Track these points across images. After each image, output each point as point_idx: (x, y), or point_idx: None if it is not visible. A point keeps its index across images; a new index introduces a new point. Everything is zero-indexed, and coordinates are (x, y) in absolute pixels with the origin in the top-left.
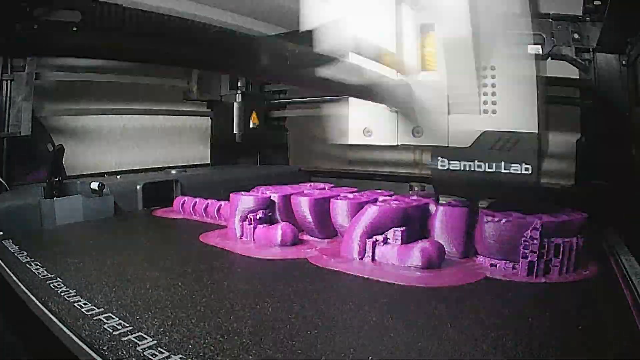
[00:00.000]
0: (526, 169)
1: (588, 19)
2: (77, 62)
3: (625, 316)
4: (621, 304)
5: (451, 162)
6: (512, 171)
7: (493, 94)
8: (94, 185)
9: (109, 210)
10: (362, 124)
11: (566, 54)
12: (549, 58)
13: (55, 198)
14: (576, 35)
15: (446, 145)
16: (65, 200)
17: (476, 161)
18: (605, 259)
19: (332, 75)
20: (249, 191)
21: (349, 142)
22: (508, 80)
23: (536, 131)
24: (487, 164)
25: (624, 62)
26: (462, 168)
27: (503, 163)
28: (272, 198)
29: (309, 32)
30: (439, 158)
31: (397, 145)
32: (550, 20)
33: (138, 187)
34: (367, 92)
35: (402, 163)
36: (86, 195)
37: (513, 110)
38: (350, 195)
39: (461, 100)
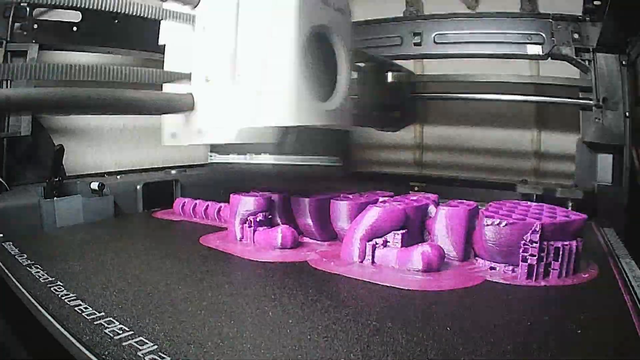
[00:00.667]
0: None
1: (588, 19)
2: (77, 61)
3: (624, 320)
4: (621, 307)
5: (220, 155)
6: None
7: (245, 96)
8: (94, 185)
9: (109, 210)
10: (170, 129)
11: (566, 54)
12: (549, 58)
13: (55, 198)
14: (576, 35)
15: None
16: (65, 200)
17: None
18: (605, 262)
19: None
20: (249, 192)
21: (163, 144)
22: (252, 84)
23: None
24: (243, 156)
25: (624, 62)
26: (229, 161)
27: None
28: (272, 198)
29: None
30: (211, 153)
31: (188, 145)
32: (550, 20)
33: (138, 187)
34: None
35: (402, 163)
36: (86, 195)
37: (262, 108)
38: (350, 196)
39: (226, 102)
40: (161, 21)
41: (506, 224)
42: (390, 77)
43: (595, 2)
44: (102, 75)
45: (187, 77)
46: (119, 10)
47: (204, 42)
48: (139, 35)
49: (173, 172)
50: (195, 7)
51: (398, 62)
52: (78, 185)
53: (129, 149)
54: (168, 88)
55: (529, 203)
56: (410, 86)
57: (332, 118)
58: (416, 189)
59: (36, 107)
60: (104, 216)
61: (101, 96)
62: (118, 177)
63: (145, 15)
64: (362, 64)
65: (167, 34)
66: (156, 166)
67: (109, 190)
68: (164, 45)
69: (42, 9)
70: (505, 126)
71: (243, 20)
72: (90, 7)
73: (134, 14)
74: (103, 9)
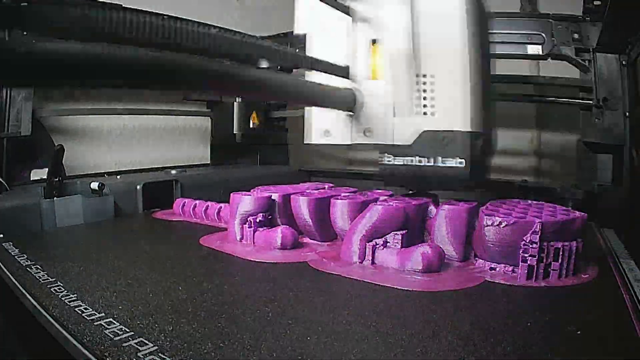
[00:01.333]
0: (460, 163)
1: (588, 19)
2: None
3: (624, 321)
4: (620, 308)
5: (396, 157)
6: (447, 164)
7: (432, 98)
8: (94, 185)
9: (109, 210)
10: (322, 126)
11: (566, 54)
12: (549, 58)
13: (55, 198)
14: (576, 35)
15: (392, 143)
16: (65, 200)
17: (417, 157)
18: (605, 262)
19: (291, 86)
20: (249, 191)
21: (310, 142)
22: (443, 86)
23: (470, 130)
24: (426, 159)
25: (624, 62)
26: (405, 163)
27: (440, 158)
28: (272, 198)
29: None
30: (385, 154)
31: (351, 144)
32: (550, 20)
33: (138, 187)
34: (320, 100)
35: None
36: (86, 195)
37: (448, 111)
38: (350, 196)
39: (403, 104)
40: (297, 6)
41: (506, 225)
42: None
43: (595, 2)
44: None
45: (346, 70)
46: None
47: (368, 35)
48: None
49: (173, 172)
50: None
51: None
52: (78, 185)
53: (129, 149)
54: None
55: (529, 202)
56: None
57: (489, 125)
58: None
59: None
60: (104, 216)
61: (266, 80)
62: (118, 177)
63: None
64: None
65: (309, 21)
66: (156, 166)
67: (109, 190)
68: (304, 34)
69: None
70: (505, 126)
71: (423, 19)
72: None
73: None
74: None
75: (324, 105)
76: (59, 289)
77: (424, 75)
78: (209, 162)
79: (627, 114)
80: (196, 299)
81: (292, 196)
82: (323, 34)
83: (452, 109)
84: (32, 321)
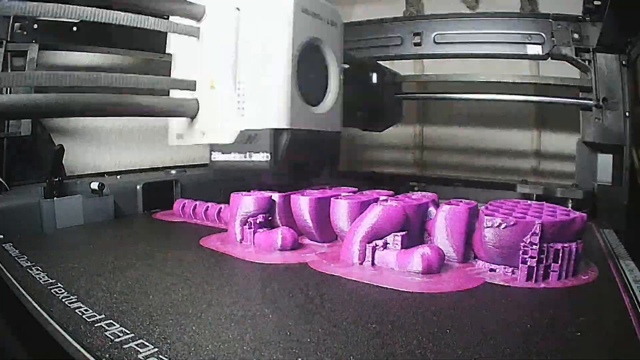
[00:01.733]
0: (265, 157)
1: (588, 19)
2: (77, 61)
3: (623, 323)
4: (620, 310)
5: (222, 154)
6: (255, 159)
7: (244, 101)
8: (94, 185)
9: (109, 210)
10: (176, 131)
11: (566, 54)
12: (549, 58)
13: (55, 198)
14: (576, 35)
15: (219, 142)
16: (65, 200)
17: (236, 153)
18: (605, 263)
19: (147, 104)
20: (249, 191)
21: (169, 144)
22: (253, 90)
23: (273, 127)
24: (242, 155)
25: (624, 62)
26: (229, 159)
27: (251, 153)
28: (272, 198)
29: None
30: (213, 151)
31: (192, 145)
32: (550, 20)
33: (138, 187)
34: (169, 111)
35: (402, 163)
36: (86, 195)
37: (257, 112)
38: (351, 195)
39: (227, 108)
40: (168, 33)
41: (506, 226)
42: (374, 78)
43: (595, 2)
44: (114, 82)
45: (193, 84)
46: (127, 24)
47: (208, 52)
48: (139, 35)
49: (173, 172)
50: (199, 20)
51: (397, 62)
52: (78, 185)
53: (129, 149)
54: (175, 94)
55: (528, 202)
56: (395, 87)
57: (322, 122)
58: (416, 188)
59: (45, 113)
60: (104, 216)
61: (113, 101)
62: (118, 177)
63: (155, 28)
64: (346, 65)
65: (175, 44)
66: (156, 166)
67: (109, 190)
68: (172, 54)
69: None
70: (505, 126)
71: (243, 33)
72: (98, 20)
73: (145, 27)
74: (114, 22)
75: (175, 115)
76: (60, 290)
77: (240, 82)
78: (208, 162)
79: (627, 114)
80: (196, 301)
81: (292, 196)
82: (183, 53)
83: (259, 108)
84: (32, 323)
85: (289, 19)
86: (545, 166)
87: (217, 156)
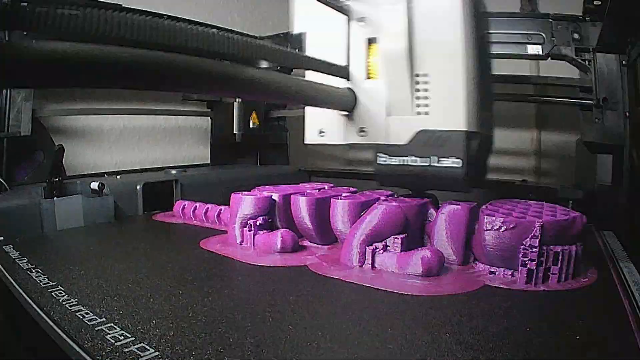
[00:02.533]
0: (456, 163)
1: (588, 19)
2: None
3: (622, 326)
4: (619, 313)
5: (391, 157)
6: (443, 165)
7: (426, 97)
8: (94, 185)
9: (109, 210)
10: (317, 126)
11: (566, 54)
12: (549, 58)
13: (55, 198)
14: (576, 35)
15: (387, 143)
16: (65, 200)
17: (412, 156)
18: (605, 266)
19: (291, 86)
20: (249, 191)
21: (306, 142)
22: (439, 85)
23: (465, 129)
24: (421, 159)
25: (624, 62)
26: (400, 163)
27: (436, 157)
28: (273, 197)
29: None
30: (380, 154)
31: (345, 144)
32: (550, 20)
33: (138, 187)
34: (316, 100)
35: None
36: (86, 196)
37: (444, 111)
38: (351, 196)
39: (398, 103)
40: (294, 5)
41: (505, 229)
42: None
43: (595, 2)
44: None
45: (346, 71)
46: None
47: (364, 34)
48: None
49: (173, 172)
50: None
51: None
52: (78, 185)
53: (129, 149)
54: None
55: (528, 202)
56: None
57: (488, 126)
58: None
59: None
60: (104, 216)
61: (266, 79)
62: (118, 177)
63: None
64: None
65: (307, 20)
66: (156, 166)
67: (109, 190)
68: (301, 33)
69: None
70: (505, 126)
71: (419, 22)
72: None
73: None
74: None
75: (324, 106)
76: (60, 293)
77: (420, 75)
78: (208, 162)
79: (627, 114)
80: (197, 304)
81: (292, 197)
82: (320, 34)
83: (448, 108)
84: (33, 326)
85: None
86: (545, 166)
87: (386, 159)
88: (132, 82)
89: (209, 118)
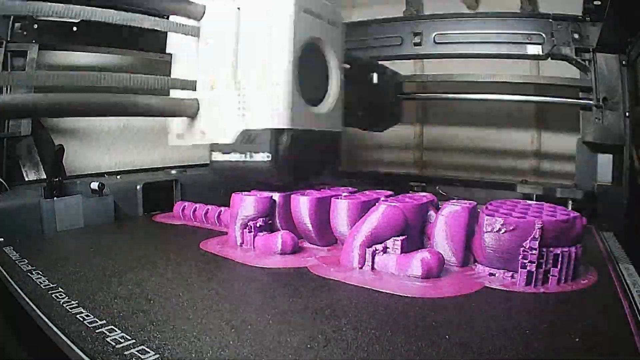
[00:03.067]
0: (267, 157)
1: (588, 19)
2: (77, 61)
3: (622, 329)
4: (619, 315)
5: (223, 154)
6: (256, 159)
7: (245, 102)
8: (94, 185)
9: (109, 209)
10: (176, 131)
11: (566, 54)
12: (549, 58)
13: (55, 198)
14: (576, 35)
15: (219, 142)
16: (65, 200)
17: (237, 153)
18: (604, 267)
19: (143, 104)
20: (249, 191)
21: (169, 144)
22: (253, 90)
23: (273, 127)
24: (243, 155)
25: (624, 62)
26: (229, 159)
27: (252, 153)
28: (273, 198)
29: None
30: (213, 151)
31: (192, 144)
32: (550, 20)
33: (138, 186)
34: (165, 111)
35: (402, 163)
36: (86, 196)
37: (258, 112)
38: (351, 196)
39: (227, 108)
40: (168, 32)
41: (505, 231)
42: (375, 78)
43: (595, 2)
44: (114, 82)
45: (193, 84)
46: (127, 23)
47: (208, 52)
48: (138, 35)
49: (173, 172)
50: (199, 20)
51: (398, 62)
52: (78, 185)
53: (129, 149)
54: (176, 94)
55: (528, 202)
56: (395, 87)
57: (322, 121)
58: (415, 189)
59: (44, 112)
60: (104, 216)
61: (113, 101)
62: (118, 177)
63: (154, 28)
64: (347, 65)
65: (174, 43)
66: (156, 166)
67: (109, 190)
68: (172, 53)
69: None
70: (505, 126)
71: (243, 33)
72: (98, 19)
73: (144, 26)
74: (114, 22)
75: (174, 115)
76: (60, 294)
77: (239, 82)
78: (209, 162)
79: (627, 114)
80: (197, 306)
81: (292, 197)
82: (183, 53)
83: (261, 109)
84: (33, 328)
85: (290, 18)
86: (545, 166)
87: (218, 156)
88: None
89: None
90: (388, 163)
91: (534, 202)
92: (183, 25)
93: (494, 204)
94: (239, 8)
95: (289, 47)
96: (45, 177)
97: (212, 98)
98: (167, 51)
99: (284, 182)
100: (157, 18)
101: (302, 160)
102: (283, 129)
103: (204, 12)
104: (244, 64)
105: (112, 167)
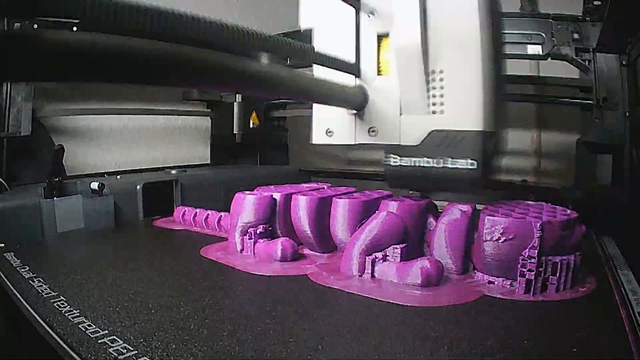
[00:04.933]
0: (471, 164)
1: (588, 19)
2: None
3: (620, 337)
4: (616, 323)
5: (402, 158)
6: (457, 166)
7: (441, 95)
8: (94, 185)
9: (110, 209)
10: (325, 125)
11: (566, 54)
12: (549, 58)
13: (55, 198)
14: (576, 35)
15: (398, 143)
16: (65, 200)
17: (425, 157)
18: (603, 273)
19: (296, 82)
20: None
21: (313, 142)
22: (454, 83)
23: (481, 129)
24: (434, 160)
25: (624, 62)
26: (412, 164)
27: (449, 159)
28: (273, 199)
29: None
30: (391, 155)
31: (355, 144)
32: (550, 20)
33: (138, 186)
34: (324, 97)
35: None
36: (86, 196)
37: (459, 110)
38: (352, 195)
39: (411, 102)
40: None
41: (505, 240)
42: None
43: (595, 2)
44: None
45: (356, 68)
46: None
47: (374, 29)
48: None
49: (173, 172)
50: None
51: None
52: (78, 185)
53: (129, 149)
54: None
55: (528, 202)
56: None
57: (500, 124)
58: None
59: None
60: (104, 216)
61: (273, 74)
62: (118, 177)
63: None
64: None
65: (315, 15)
66: (156, 166)
67: (109, 190)
68: (310, 29)
69: None
70: (505, 126)
71: (435, 16)
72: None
73: None
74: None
75: (332, 103)
76: (62, 304)
77: (434, 72)
78: (209, 162)
79: (627, 114)
80: (198, 315)
81: (292, 202)
82: (328, 29)
83: (464, 107)
84: (36, 337)
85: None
86: (545, 166)
87: (397, 160)
88: (149, 78)
89: (209, 118)
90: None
91: (534, 202)
92: None
93: (493, 205)
94: None
95: (489, 43)
96: (45, 177)
97: (386, 88)
98: (302, 25)
99: (483, 189)
100: None
101: (492, 166)
102: (487, 132)
103: None
104: (440, 51)
105: (112, 167)
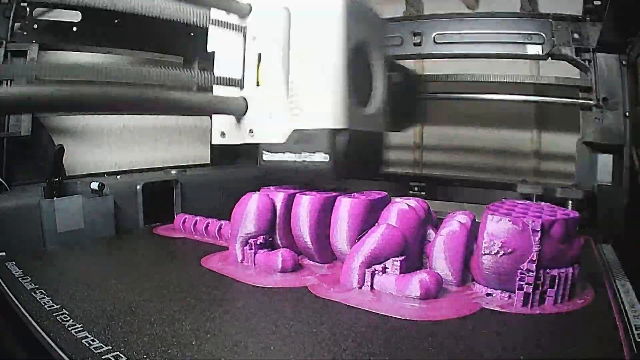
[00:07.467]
0: (324, 157)
1: (588, 19)
2: (77, 61)
3: (615, 351)
4: (613, 337)
5: (273, 154)
6: (314, 159)
7: (298, 101)
8: (94, 185)
9: (110, 209)
10: (219, 129)
11: (566, 54)
12: (549, 58)
13: (55, 198)
14: (576, 35)
15: (269, 142)
16: (65, 200)
17: (289, 153)
18: (601, 284)
19: (186, 101)
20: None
21: (212, 143)
22: (309, 90)
23: (332, 127)
24: (296, 155)
25: (624, 62)
26: (280, 159)
27: (308, 154)
28: (274, 206)
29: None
30: (264, 151)
31: (240, 144)
32: (550, 20)
33: (138, 186)
34: (212, 110)
35: (402, 163)
36: (86, 195)
37: (312, 112)
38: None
39: (277, 107)
40: (209, 30)
41: (503, 254)
42: (394, 77)
43: (595, 2)
44: (148, 78)
45: (240, 82)
46: (161, 16)
47: (255, 50)
48: (139, 35)
49: (173, 172)
50: (244, 17)
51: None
52: (78, 185)
53: (129, 149)
54: (219, 91)
55: (528, 202)
56: (414, 86)
57: (370, 122)
58: (416, 188)
59: (59, 106)
60: (105, 215)
61: (151, 97)
62: (118, 177)
63: (195, 23)
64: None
65: (216, 41)
66: (156, 166)
67: (109, 190)
68: (213, 52)
69: (42, 9)
70: (505, 126)
71: (294, 33)
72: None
73: (183, 20)
74: (145, 14)
75: (220, 113)
76: (65, 317)
77: (293, 82)
78: (209, 162)
79: (627, 114)
80: (200, 330)
81: (292, 213)
82: (225, 51)
83: (316, 109)
84: (41, 353)
85: (340, 21)
86: (545, 166)
87: (269, 156)
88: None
89: (209, 118)
90: (387, 163)
91: (534, 202)
92: (229, 22)
93: (495, 205)
94: (287, 8)
95: (342, 48)
96: (45, 177)
97: (260, 97)
98: (209, 49)
99: (339, 182)
100: (198, 10)
101: (354, 160)
102: (340, 129)
103: (250, 10)
104: (295, 64)
105: (112, 167)
